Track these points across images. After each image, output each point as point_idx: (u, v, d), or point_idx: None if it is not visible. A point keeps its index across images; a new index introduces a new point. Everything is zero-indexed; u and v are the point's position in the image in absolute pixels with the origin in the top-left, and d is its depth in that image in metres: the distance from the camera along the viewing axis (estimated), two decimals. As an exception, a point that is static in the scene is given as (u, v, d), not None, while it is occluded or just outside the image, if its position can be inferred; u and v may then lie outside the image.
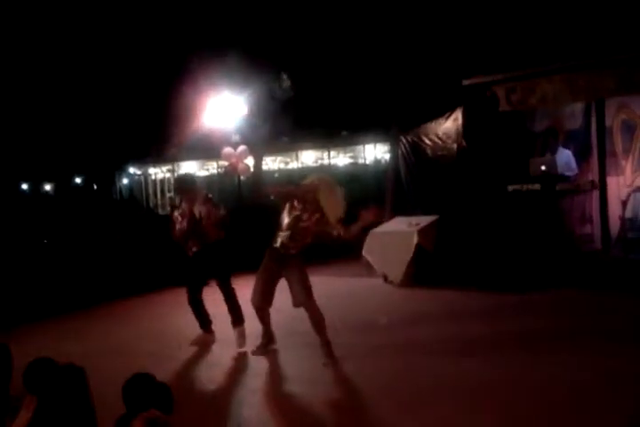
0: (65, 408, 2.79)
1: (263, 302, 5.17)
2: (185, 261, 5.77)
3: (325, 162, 19.09)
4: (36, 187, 19.78)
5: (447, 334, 5.58)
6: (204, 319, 5.81)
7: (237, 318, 5.66)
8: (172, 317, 7.01)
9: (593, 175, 8.09)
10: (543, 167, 7.76)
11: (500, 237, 7.80)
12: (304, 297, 4.99)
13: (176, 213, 5.78)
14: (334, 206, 5.04)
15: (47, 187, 20.40)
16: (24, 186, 19.24)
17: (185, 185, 5.89)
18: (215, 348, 5.70)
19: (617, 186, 7.97)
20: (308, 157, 19.79)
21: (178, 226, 5.69)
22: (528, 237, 7.68)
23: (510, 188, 7.97)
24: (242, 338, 5.58)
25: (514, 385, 4.27)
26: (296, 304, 5.06)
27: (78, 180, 20.33)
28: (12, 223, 11.67)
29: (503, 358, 4.82)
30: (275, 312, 5.43)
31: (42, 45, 12.21)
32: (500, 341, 5.29)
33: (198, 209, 5.62)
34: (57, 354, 3.34)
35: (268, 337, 5.40)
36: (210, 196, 5.90)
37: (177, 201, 6.01)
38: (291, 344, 5.52)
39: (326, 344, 5.04)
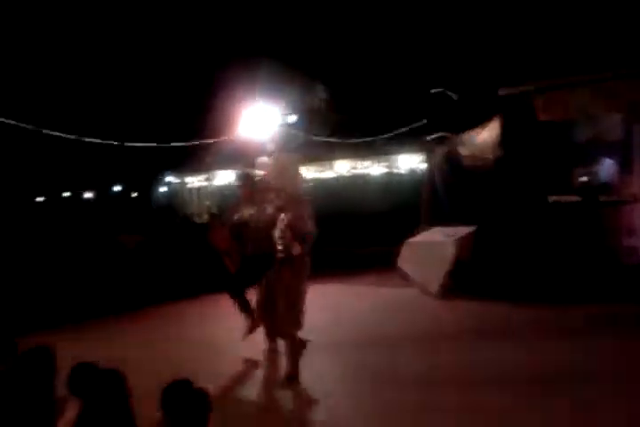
0: (106, 411, 2.84)
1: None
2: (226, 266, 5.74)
3: (360, 171, 19.06)
4: (77, 195, 20.23)
5: (482, 349, 5.41)
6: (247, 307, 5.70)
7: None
8: (209, 322, 7.09)
9: (635, 187, 7.89)
10: (585, 178, 7.62)
11: (540, 248, 7.67)
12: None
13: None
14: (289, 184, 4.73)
15: (88, 195, 20.83)
16: (65, 194, 19.73)
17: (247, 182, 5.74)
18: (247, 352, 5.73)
19: (660, 198, 7.76)
20: (343, 167, 19.81)
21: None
22: (569, 249, 7.53)
23: (550, 199, 7.83)
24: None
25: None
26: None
27: (118, 188, 20.72)
28: (54, 231, 11.96)
29: (538, 387, 4.41)
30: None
31: (77, 57, 12.50)
32: (536, 361, 5.03)
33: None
34: (98, 356, 3.41)
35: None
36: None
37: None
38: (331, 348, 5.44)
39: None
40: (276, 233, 4.69)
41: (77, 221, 14.92)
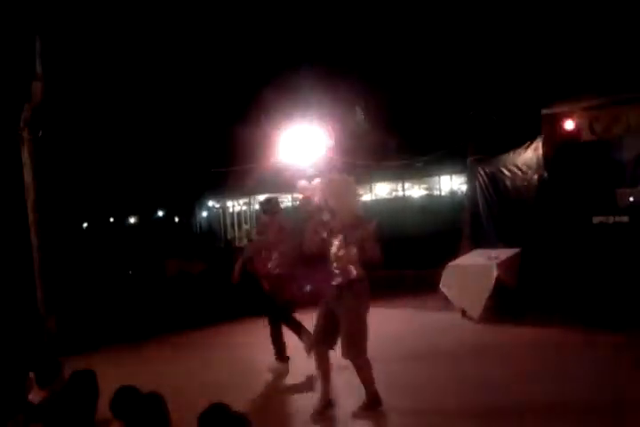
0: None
1: (320, 343, 4.63)
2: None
3: (400, 194, 19.00)
4: (122, 220, 20.75)
5: (527, 381, 5.11)
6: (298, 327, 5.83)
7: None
8: (245, 346, 7.09)
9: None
10: (631, 198, 7.40)
11: (586, 271, 7.43)
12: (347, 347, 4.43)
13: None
14: (346, 206, 4.56)
15: (132, 220, 21.34)
16: (111, 219, 20.28)
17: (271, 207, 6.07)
18: (288, 379, 5.69)
19: None
20: (383, 189, 19.81)
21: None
22: (616, 271, 7.27)
23: (596, 220, 7.62)
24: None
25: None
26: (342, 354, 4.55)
27: (160, 213, 21.17)
28: (102, 255, 12.28)
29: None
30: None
31: (118, 83, 12.86)
32: (584, 394, 4.67)
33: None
34: (139, 379, 3.44)
35: (324, 397, 4.67)
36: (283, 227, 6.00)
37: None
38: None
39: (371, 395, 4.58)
40: (333, 256, 4.51)
41: (122, 245, 15.25)
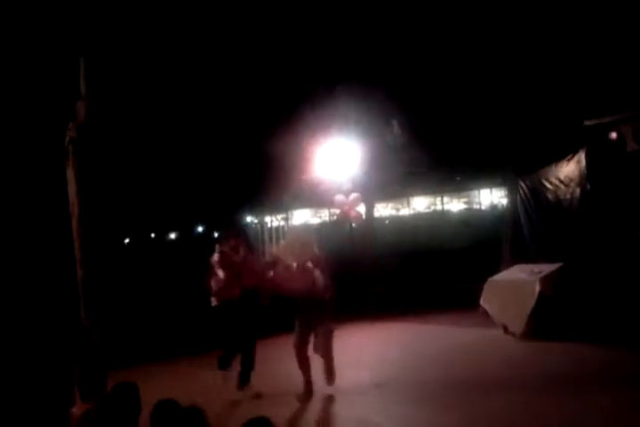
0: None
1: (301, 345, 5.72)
2: None
3: (438, 208, 18.85)
4: (163, 236, 21.10)
5: (572, 403, 4.92)
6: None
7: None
8: (280, 361, 7.09)
9: None
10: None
11: (633, 287, 7.19)
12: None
13: None
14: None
15: (172, 235, 21.68)
16: (152, 235, 20.64)
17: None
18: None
19: None
20: (420, 203, 19.67)
21: None
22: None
23: (643, 233, 7.39)
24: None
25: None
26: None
27: (200, 228, 21.45)
28: (143, 270, 12.49)
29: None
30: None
31: (165, 99, 13.12)
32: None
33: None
34: (178, 393, 3.46)
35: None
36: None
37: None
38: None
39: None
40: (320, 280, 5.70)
41: (163, 260, 15.47)
